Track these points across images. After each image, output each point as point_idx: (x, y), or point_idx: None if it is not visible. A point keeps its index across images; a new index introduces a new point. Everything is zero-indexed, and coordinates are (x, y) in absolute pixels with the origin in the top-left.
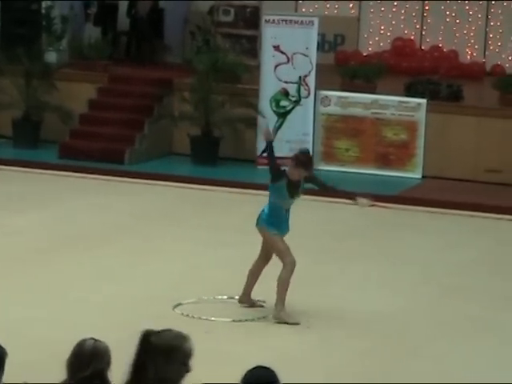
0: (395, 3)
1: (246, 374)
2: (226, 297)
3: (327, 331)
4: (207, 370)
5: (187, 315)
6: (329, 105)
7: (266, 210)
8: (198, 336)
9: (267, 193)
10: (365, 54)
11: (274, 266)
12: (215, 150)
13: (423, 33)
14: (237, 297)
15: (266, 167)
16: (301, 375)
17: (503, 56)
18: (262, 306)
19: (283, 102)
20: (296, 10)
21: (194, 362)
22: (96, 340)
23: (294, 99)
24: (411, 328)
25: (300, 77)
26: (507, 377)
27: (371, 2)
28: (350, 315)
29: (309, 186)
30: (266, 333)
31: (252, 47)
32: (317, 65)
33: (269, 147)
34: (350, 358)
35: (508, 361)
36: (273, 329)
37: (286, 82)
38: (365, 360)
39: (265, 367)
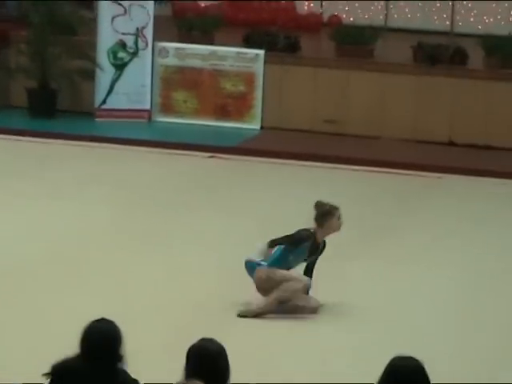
0: None
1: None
2: None
3: (172, 281)
4: None
5: None
6: (167, 56)
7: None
8: None
9: (106, 145)
10: (202, 6)
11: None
12: (53, 103)
13: None
14: None
15: (106, 119)
16: None
17: (340, 7)
18: None
19: (121, 54)
20: None
21: None
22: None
23: (131, 51)
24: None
25: (137, 28)
26: None
27: None
28: (189, 266)
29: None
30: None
31: None
32: (154, 16)
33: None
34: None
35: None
36: None
37: (123, 34)
38: (205, 311)
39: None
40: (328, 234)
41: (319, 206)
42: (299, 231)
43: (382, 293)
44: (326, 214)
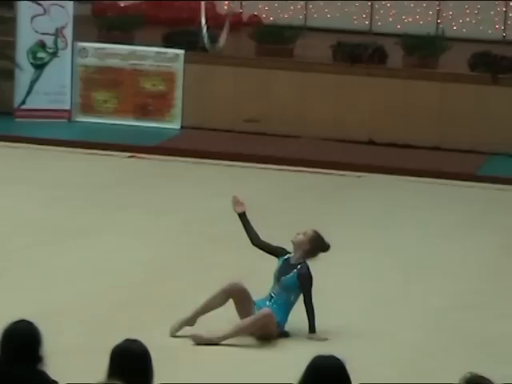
0: None
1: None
2: None
3: (93, 279)
4: None
5: None
6: (86, 56)
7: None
8: None
9: (26, 145)
10: (122, 5)
11: None
12: None
13: None
14: None
15: (26, 119)
16: None
17: (260, 6)
18: None
19: (40, 54)
20: None
21: None
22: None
23: (51, 51)
24: (173, 275)
25: (57, 28)
26: None
27: None
28: (111, 264)
29: None
30: None
31: None
32: (74, 16)
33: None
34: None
35: None
36: None
37: (42, 34)
38: (127, 310)
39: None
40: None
41: (315, 239)
42: (302, 271)
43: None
44: (321, 249)
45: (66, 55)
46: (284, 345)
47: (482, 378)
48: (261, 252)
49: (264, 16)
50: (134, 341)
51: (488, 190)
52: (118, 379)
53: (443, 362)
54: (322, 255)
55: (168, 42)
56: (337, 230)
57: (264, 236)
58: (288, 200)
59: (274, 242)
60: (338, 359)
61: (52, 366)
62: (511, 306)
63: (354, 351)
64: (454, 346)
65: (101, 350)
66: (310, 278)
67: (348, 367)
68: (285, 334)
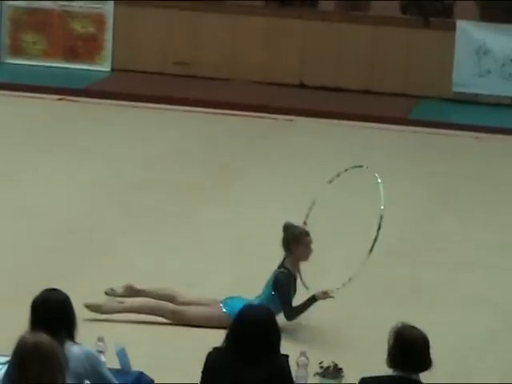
0: None
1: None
2: None
3: (17, 225)
4: None
5: None
6: None
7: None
8: None
9: None
10: None
11: None
12: None
13: None
14: None
15: None
16: None
17: None
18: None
19: None
20: None
21: None
22: None
23: None
24: (99, 222)
25: None
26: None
27: None
28: (35, 210)
29: None
30: None
31: None
32: None
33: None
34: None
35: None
36: None
37: None
38: (51, 258)
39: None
40: (296, 262)
41: (287, 228)
42: (277, 277)
43: (232, 238)
44: (292, 241)
45: None
46: None
47: (412, 327)
48: (188, 197)
49: None
50: (54, 290)
51: (419, 133)
52: (40, 329)
53: (370, 310)
54: None
55: None
56: (263, 175)
57: (191, 184)
58: (214, 144)
59: (199, 187)
60: (267, 309)
61: None
62: (435, 253)
63: None
64: (383, 293)
65: (23, 300)
66: (283, 286)
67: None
68: None
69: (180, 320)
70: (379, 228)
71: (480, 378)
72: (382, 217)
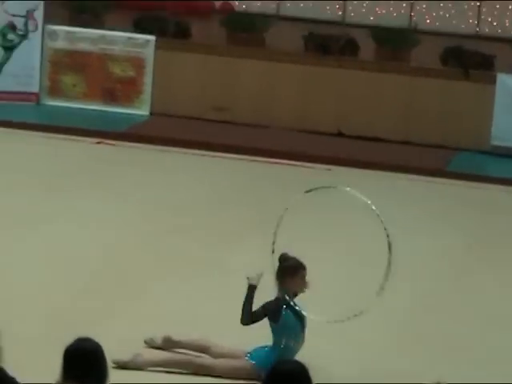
0: None
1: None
2: None
3: (53, 267)
4: None
5: None
6: (56, 39)
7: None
8: None
9: None
10: None
11: None
12: None
13: None
14: None
15: None
16: None
17: None
18: None
19: (10, 36)
20: None
21: None
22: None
23: (20, 33)
24: (134, 266)
25: (27, 10)
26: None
27: None
28: (71, 252)
29: None
30: None
31: None
32: None
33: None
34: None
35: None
36: None
37: (13, 16)
38: (86, 300)
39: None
40: (291, 293)
41: (284, 259)
42: (265, 305)
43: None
44: (289, 271)
45: (35, 38)
46: None
47: None
48: (224, 243)
49: (236, 3)
50: (86, 339)
51: (456, 186)
52: (71, 379)
53: (404, 364)
54: None
55: (139, 27)
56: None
57: (227, 230)
58: (252, 191)
59: (234, 237)
60: (298, 363)
61: (9, 360)
62: (472, 306)
63: (316, 350)
64: (417, 347)
65: (58, 342)
66: (272, 307)
67: (309, 371)
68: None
69: (209, 373)
70: (389, 263)
71: None
72: (390, 246)
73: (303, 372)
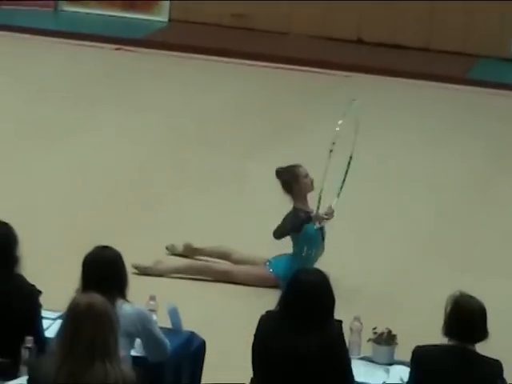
0: None
1: None
2: None
3: (75, 178)
4: None
5: None
6: None
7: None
8: None
9: (9, 33)
10: None
11: None
12: None
13: None
14: None
15: (10, 7)
16: None
17: None
18: None
19: None
20: None
21: None
22: None
23: None
24: (156, 177)
25: None
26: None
27: None
28: (94, 163)
29: None
30: None
31: None
32: None
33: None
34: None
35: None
36: None
37: None
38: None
39: None
40: (304, 197)
41: (280, 173)
42: (286, 221)
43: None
44: (290, 180)
45: None
46: None
47: (470, 297)
48: (250, 155)
49: None
50: (105, 247)
51: (477, 93)
52: (91, 287)
53: (423, 273)
54: None
55: None
56: (317, 129)
57: (250, 140)
58: (272, 99)
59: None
60: (320, 272)
61: (29, 268)
62: (490, 217)
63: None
64: (437, 256)
65: (79, 250)
66: (292, 218)
67: (330, 280)
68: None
69: (228, 280)
70: (346, 172)
71: None
72: (350, 158)
73: (324, 281)
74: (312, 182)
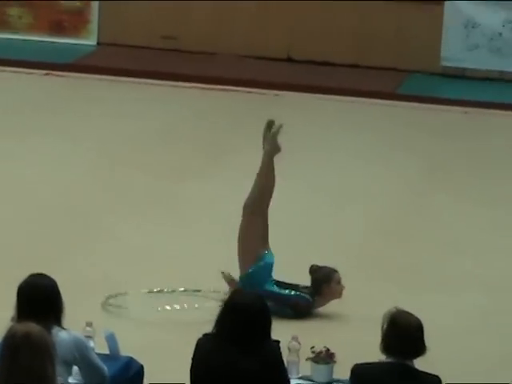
0: None
1: None
2: None
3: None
4: None
5: None
6: None
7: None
8: None
9: None
10: None
11: None
12: None
13: None
14: None
15: None
16: None
17: None
18: None
19: None
20: None
21: None
22: None
23: None
24: (87, 200)
25: None
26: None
27: None
28: (23, 191)
29: None
30: None
31: None
32: None
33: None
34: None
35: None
36: None
37: None
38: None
39: None
40: (328, 300)
41: (315, 271)
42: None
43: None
44: (322, 280)
45: None
46: None
47: (407, 313)
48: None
49: None
50: (40, 275)
51: (408, 108)
52: (27, 316)
53: (360, 288)
54: None
55: None
56: (249, 152)
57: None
58: (202, 120)
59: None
60: (255, 294)
61: None
62: (425, 231)
63: None
64: (375, 271)
65: (12, 279)
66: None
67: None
68: None
69: None
70: None
71: (472, 358)
72: None
73: (260, 303)
74: (341, 291)
